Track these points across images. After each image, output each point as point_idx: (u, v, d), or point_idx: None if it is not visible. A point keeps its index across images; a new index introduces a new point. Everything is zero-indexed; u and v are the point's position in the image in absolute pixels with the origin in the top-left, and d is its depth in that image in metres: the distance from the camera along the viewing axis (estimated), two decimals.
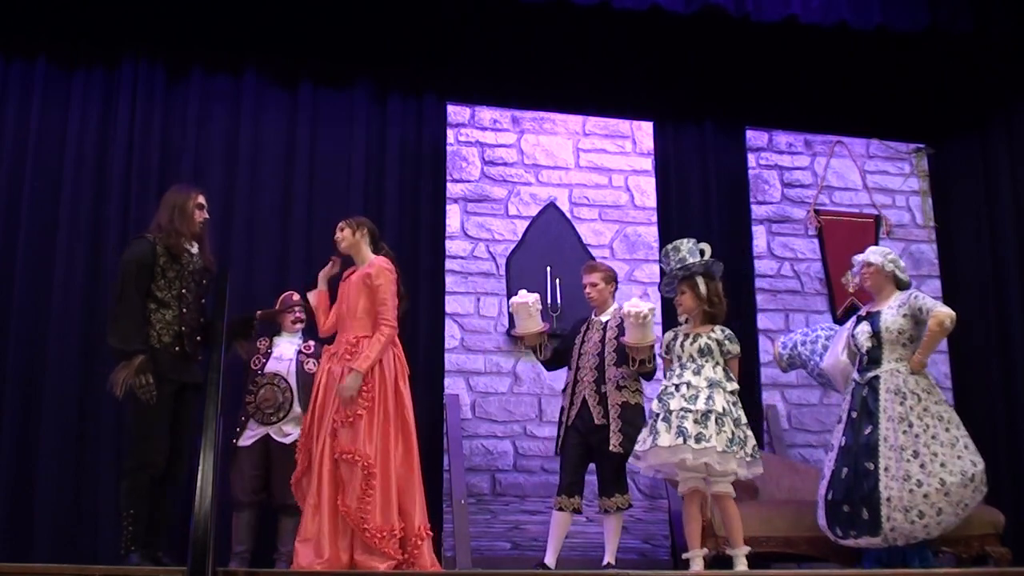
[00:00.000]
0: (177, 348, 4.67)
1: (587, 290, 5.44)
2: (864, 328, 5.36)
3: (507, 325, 6.50)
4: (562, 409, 5.34)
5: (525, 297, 5.37)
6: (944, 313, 5.20)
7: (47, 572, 4.54)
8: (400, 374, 5.02)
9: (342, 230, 5.18)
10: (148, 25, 6.66)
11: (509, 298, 6.45)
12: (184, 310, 4.72)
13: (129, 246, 4.87)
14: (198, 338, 4.80)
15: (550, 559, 5.12)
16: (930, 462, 5.05)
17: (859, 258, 5.53)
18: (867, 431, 5.17)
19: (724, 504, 4.88)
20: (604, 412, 5.14)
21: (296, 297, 5.88)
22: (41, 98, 6.55)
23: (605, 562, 5.10)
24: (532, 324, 5.35)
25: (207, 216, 4.93)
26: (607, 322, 5.34)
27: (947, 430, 5.15)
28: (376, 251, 5.20)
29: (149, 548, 4.52)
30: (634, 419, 5.13)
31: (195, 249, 4.86)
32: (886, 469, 5.06)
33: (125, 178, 6.51)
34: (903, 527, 4.99)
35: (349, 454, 4.75)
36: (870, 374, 5.28)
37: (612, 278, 5.46)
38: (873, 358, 5.30)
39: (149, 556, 4.47)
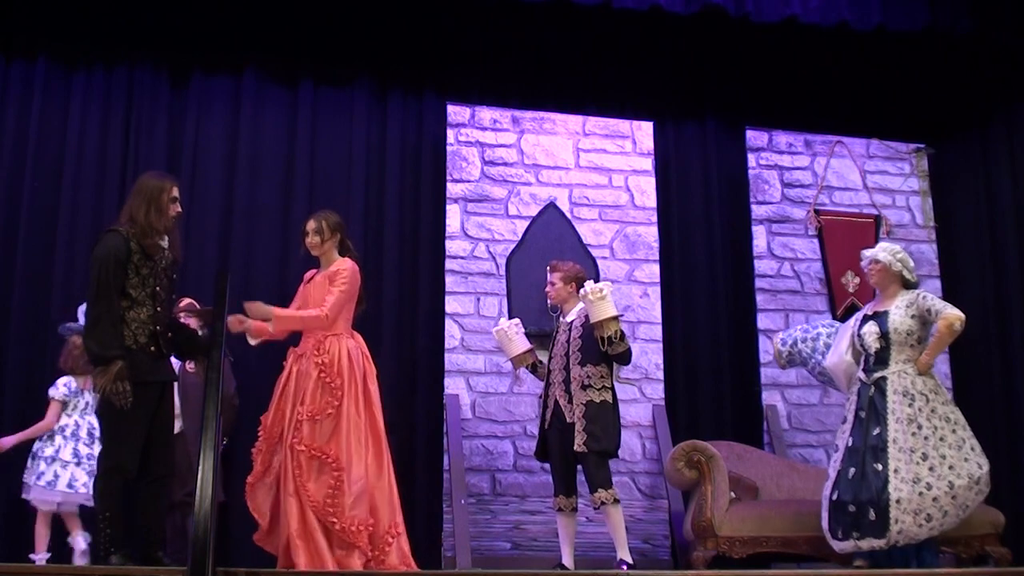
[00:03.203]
0: (153, 348, 4.47)
1: (547, 288, 5.51)
2: (871, 328, 5.31)
3: None
4: (540, 415, 5.41)
5: (502, 324, 5.61)
6: (954, 315, 5.17)
7: (47, 572, 4.53)
8: (368, 374, 5.00)
9: (316, 235, 5.07)
10: (148, 24, 6.66)
11: (509, 298, 6.50)
12: (158, 308, 4.51)
13: (100, 240, 4.48)
14: (169, 335, 4.60)
15: (567, 560, 5.15)
16: (939, 465, 5.02)
17: (868, 253, 5.48)
18: (875, 432, 5.13)
19: None
20: (573, 411, 5.17)
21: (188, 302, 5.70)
22: (41, 98, 6.55)
23: (619, 559, 5.04)
24: (515, 347, 5.57)
25: (180, 210, 4.66)
26: (572, 322, 5.36)
27: (954, 431, 5.13)
28: (343, 252, 5.16)
29: (130, 548, 4.41)
30: (599, 417, 5.11)
31: (165, 243, 4.60)
32: (895, 471, 5.02)
33: (125, 178, 6.51)
34: (910, 529, 4.95)
35: (315, 451, 4.75)
36: (877, 374, 5.24)
37: (572, 278, 5.43)
38: (880, 358, 5.26)
39: (130, 556, 4.34)
